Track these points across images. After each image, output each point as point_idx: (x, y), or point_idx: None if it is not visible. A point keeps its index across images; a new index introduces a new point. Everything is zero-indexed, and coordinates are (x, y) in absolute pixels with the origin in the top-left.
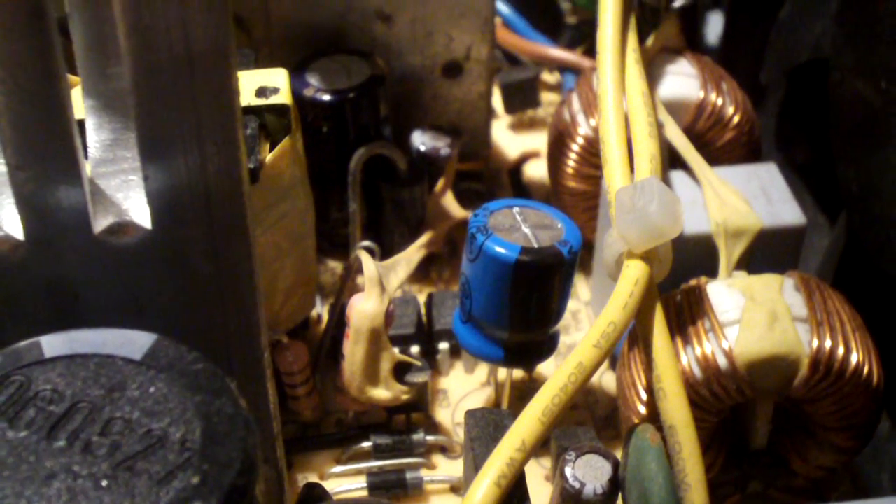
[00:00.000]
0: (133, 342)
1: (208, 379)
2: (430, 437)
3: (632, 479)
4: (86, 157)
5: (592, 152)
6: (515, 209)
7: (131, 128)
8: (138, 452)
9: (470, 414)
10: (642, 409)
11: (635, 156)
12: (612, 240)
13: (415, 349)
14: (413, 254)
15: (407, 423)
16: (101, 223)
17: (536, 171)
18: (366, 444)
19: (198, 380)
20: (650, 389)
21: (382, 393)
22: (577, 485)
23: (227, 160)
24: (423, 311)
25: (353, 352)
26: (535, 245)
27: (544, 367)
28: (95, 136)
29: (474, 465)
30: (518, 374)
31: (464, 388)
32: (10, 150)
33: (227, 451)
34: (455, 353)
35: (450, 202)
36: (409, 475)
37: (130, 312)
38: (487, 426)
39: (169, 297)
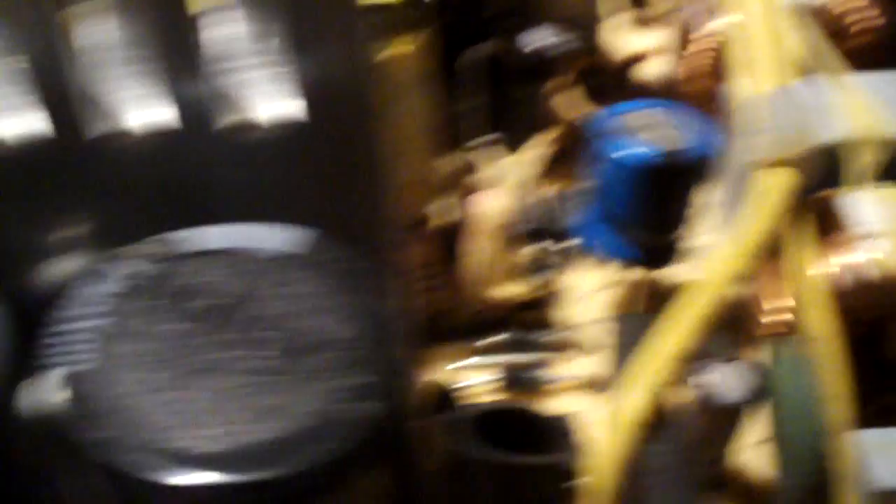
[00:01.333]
0: (296, 240)
1: (369, 279)
2: (556, 334)
3: (777, 389)
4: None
5: (721, 52)
6: (648, 111)
7: (271, 21)
8: (299, 351)
9: (620, 318)
10: (784, 320)
11: (770, 60)
12: (750, 146)
13: (541, 247)
14: (536, 152)
15: (537, 320)
16: (230, 119)
17: (656, 69)
18: (496, 339)
19: (360, 280)
20: (792, 299)
21: (508, 289)
22: (719, 392)
23: (354, 54)
24: (547, 209)
25: (482, 248)
26: (668, 147)
27: (672, 270)
28: (232, 30)
29: (620, 367)
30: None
31: (590, 286)
32: (139, 46)
33: (389, 350)
34: (582, 251)
35: (570, 100)
36: (538, 371)
37: (264, 207)
38: (636, 329)
39: (305, 193)
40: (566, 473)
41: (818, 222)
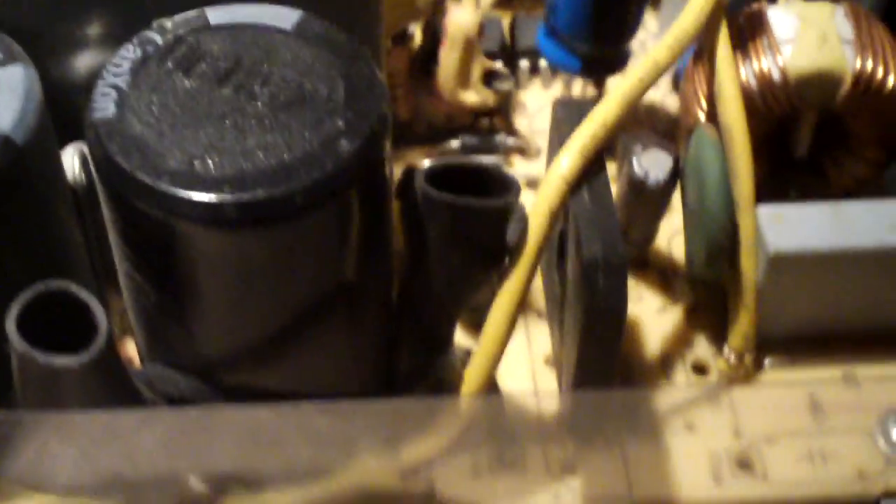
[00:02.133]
0: (285, 16)
1: (349, 48)
2: (510, 140)
3: (691, 168)
4: None
5: None
6: None
7: None
8: (293, 101)
9: (559, 102)
10: (702, 116)
11: None
12: None
13: (498, 65)
14: None
15: (490, 127)
16: None
17: None
18: (454, 143)
19: (340, 48)
20: (710, 98)
21: (472, 96)
22: (642, 174)
23: None
24: (505, 31)
25: (448, 57)
26: None
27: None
28: None
29: (559, 143)
30: (589, 93)
31: (540, 102)
32: None
33: (367, 104)
34: (533, 70)
35: None
36: None
37: None
38: (573, 113)
39: None
40: (508, 217)
41: (746, 31)
